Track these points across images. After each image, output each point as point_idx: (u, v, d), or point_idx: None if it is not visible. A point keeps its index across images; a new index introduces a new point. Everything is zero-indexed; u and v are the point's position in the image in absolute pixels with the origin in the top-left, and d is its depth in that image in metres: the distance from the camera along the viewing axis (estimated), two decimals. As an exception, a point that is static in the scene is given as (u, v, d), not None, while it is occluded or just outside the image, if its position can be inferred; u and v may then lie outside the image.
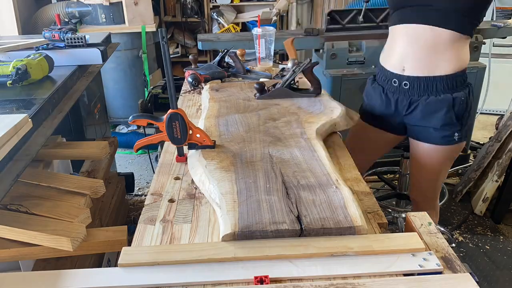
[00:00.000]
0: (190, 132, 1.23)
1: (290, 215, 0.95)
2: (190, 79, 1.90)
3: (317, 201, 1.00)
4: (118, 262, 0.87)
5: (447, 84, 1.47)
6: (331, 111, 1.52)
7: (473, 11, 1.43)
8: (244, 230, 0.91)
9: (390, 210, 2.50)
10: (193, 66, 2.04)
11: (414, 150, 1.67)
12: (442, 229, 2.55)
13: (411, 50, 1.51)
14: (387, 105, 1.64)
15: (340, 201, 0.99)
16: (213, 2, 4.58)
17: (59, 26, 2.23)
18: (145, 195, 2.45)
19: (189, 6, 4.47)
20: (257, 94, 1.62)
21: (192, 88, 1.90)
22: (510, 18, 3.69)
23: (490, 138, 2.85)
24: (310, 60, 1.61)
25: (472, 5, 1.42)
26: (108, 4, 3.53)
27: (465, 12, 1.42)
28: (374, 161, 1.96)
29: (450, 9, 1.42)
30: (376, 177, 2.90)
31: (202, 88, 1.87)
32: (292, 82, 1.62)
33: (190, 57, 2.06)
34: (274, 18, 4.20)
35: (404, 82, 1.53)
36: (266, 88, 1.63)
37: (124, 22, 3.62)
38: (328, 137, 1.42)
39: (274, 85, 1.64)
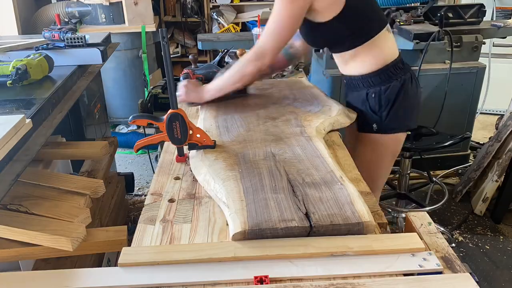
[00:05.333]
0: (191, 132, 1.23)
1: (299, 212, 0.95)
2: (181, 78, 1.91)
3: (324, 198, 1.00)
4: (118, 262, 0.87)
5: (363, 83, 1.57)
6: (329, 109, 1.52)
7: (337, 39, 1.51)
8: (254, 228, 0.91)
9: (390, 210, 2.50)
10: (193, 66, 2.04)
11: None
12: (442, 229, 2.55)
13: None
14: None
15: (347, 197, 0.99)
16: (213, 2, 4.57)
17: (59, 26, 2.23)
18: (145, 195, 2.45)
19: (189, 6, 4.47)
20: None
21: None
22: (510, 18, 3.69)
23: (490, 138, 2.85)
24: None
25: (329, 40, 1.53)
26: (108, 4, 3.53)
27: (334, 42, 1.53)
28: None
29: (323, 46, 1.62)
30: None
31: None
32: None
33: (190, 57, 2.06)
34: (274, 18, 4.20)
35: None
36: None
37: (124, 22, 3.61)
38: (328, 137, 1.42)
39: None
